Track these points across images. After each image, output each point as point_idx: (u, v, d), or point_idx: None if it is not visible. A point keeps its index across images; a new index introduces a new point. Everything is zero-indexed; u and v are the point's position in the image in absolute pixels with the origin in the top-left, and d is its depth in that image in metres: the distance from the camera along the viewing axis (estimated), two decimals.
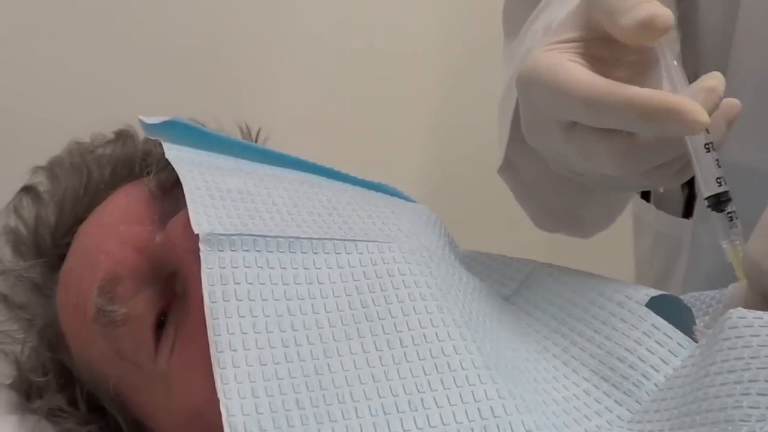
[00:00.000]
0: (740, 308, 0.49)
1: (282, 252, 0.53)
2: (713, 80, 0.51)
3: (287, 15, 1.16)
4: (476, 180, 1.36)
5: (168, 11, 1.06)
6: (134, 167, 0.68)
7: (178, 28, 1.06)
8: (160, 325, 0.58)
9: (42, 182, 0.69)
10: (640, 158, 0.53)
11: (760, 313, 0.48)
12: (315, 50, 1.17)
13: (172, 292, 0.58)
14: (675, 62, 0.53)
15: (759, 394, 0.42)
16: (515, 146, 0.68)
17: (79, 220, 0.66)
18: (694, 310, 0.61)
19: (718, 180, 0.52)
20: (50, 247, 0.67)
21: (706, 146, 0.52)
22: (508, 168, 0.72)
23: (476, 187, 1.37)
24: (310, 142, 1.14)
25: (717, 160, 0.52)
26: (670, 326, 0.54)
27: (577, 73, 0.52)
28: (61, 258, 0.65)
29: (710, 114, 0.49)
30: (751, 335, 0.46)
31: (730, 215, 0.52)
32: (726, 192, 0.52)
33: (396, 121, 1.29)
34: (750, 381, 0.43)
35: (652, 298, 0.56)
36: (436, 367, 0.50)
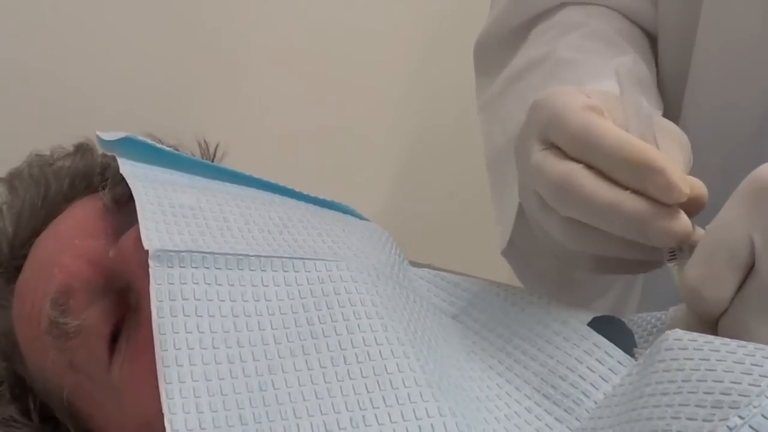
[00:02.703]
0: (677, 330, 0.49)
1: (230, 269, 0.54)
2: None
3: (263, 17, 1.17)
4: (449, 184, 1.38)
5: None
6: (92, 180, 0.68)
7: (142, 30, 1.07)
8: (114, 338, 0.59)
9: (1, 193, 0.70)
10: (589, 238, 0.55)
11: (695, 335, 0.48)
12: (288, 50, 1.19)
13: (126, 305, 0.59)
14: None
15: (688, 419, 0.43)
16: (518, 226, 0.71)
17: (36, 232, 0.66)
18: (639, 330, 0.62)
19: None
20: (7, 258, 0.68)
21: None
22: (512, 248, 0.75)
23: (447, 193, 1.38)
24: (290, 135, 1.15)
25: None
26: (611, 345, 0.55)
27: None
28: (18, 269, 0.66)
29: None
30: (685, 358, 0.46)
31: None
32: None
33: (368, 125, 1.31)
34: (680, 405, 0.44)
35: (595, 319, 0.57)
36: (378, 384, 0.50)
